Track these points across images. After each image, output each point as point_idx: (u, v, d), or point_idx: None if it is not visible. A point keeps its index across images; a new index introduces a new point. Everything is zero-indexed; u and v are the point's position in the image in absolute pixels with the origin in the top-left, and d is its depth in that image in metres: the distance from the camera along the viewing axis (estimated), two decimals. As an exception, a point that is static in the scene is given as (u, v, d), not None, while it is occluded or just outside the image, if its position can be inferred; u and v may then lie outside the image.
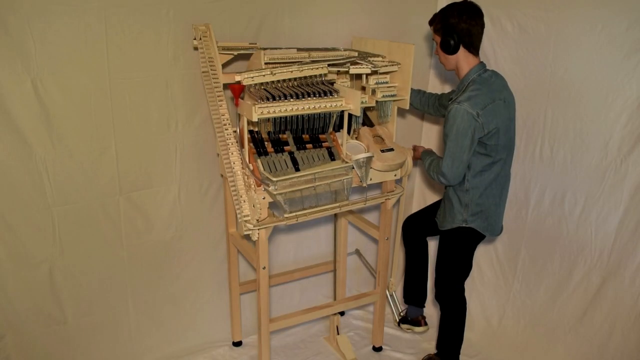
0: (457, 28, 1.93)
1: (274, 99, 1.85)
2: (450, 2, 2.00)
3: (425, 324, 2.57)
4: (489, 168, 2.03)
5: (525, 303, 2.57)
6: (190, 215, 2.32)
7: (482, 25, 1.96)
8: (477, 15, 1.94)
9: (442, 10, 1.98)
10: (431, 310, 2.74)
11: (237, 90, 1.91)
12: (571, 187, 2.32)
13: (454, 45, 1.95)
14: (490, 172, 2.04)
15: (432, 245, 2.46)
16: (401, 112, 2.69)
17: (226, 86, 1.93)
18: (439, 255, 2.28)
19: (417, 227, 2.45)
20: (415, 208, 3.09)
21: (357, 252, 2.89)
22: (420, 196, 3.06)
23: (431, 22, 2.03)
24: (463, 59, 1.99)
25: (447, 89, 2.76)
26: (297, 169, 1.97)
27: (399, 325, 2.65)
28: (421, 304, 2.59)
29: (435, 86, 2.83)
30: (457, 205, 2.11)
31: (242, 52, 2.03)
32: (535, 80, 2.36)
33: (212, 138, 2.25)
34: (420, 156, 2.24)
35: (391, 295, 2.59)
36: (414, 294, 2.56)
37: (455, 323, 2.31)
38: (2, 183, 1.86)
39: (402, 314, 2.67)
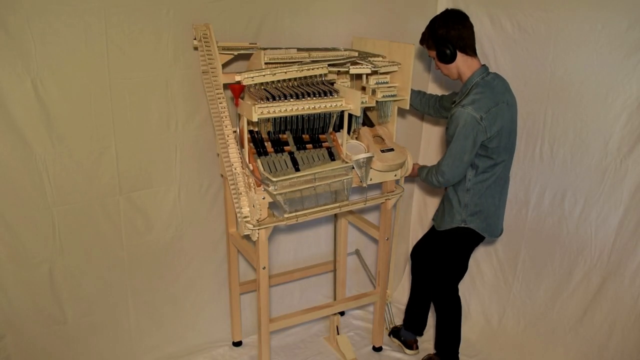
0: (448, 36, 1.95)
1: (274, 99, 1.85)
2: (447, 4, 2.03)
3: (417, 348, 2.58)
4: (490, 170, 2.04)
5: (525, 303, 2.57)
6: (190, 215, 2.32)
7: (471, 27, 1.98)
8: (462, 19, 1.97)
9: (428, 27, 2.03)
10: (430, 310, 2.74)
11: (237, 90, 1.91)
12: (571, 187, 2.32)
13: (451, 53, 1.97)
14: (491, 174, 2.05)
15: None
16: (401, 113, 2.69)
17: (226, 86, 1.93)
18: (435, 256, 2.28)
19: (425, 255, 2.42)
20: (415, 209, 3.09)
21: (357, 252, 2.89)
22: (421, 197, 3.06)
23: (422, 42, 2.07)
24: (463, 64, 2.00)
25: (447, 89, 2.76)
26: (297, 169, 1.96)
27: (389, 335, 2.65)
28: (420, 332, 2.59)
29: (436, 87, 2.83)
30: (457, 206, 2.11)
31: (242, 52, 2.03)
32: (535, 80, 2.36)
33: (212, 138, 2.25)
34: (417, 172, 2.23)
35: (386, 305, 2.59)
36: (414, 322, 2.57)
37: (451, 322, 2.32)
38: (2, 183, 1.86)
39: (396, 326, 2.67)
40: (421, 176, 2.17)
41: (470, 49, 1.99)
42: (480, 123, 1.90)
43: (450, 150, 1.96)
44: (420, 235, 2.51)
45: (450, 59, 1.99)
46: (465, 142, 1.92)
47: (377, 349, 2.59)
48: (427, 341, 2.64)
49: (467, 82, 2.01)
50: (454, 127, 1.92)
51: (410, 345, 2.57)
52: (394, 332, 2.65)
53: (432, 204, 2.98)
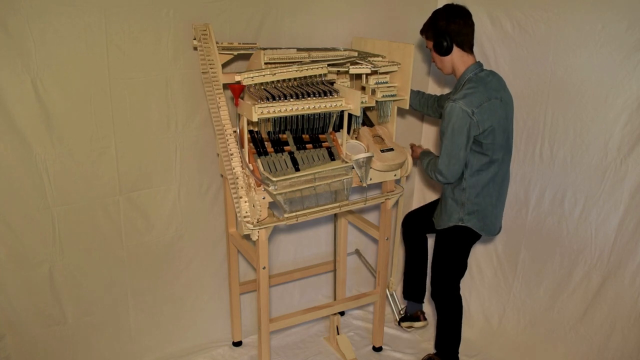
0: (448, 29, 1.97)
1: (274, 99, 1.85)
2: (447, 2, 2.04)
3: (425, 319, 2.57)
4: (486, 167, 2.04)
5: (525, 303, 2.58)
6: (190, 215, 2.32)
7: (472, 24, 2.00)
8: (464, 15, 1.98)
9: (430, 17, 2.04)
10: (429, 310, 2.74)
11: (237, 90, 1.91)
12: (571, 187, 2.32)
13: (447, 46, 1.99)
14: (487, 172, 2.05)
15: (432, 242, 2.46)
16: (401, 112, 2.69)
17: (226, 86, 1.93)
18: (434, 255, 2.29)
19: (416, 224, 2.45)
20: (415, 207, 3.09)
21: (357, 252, 2.89)
22: (420, 196, 3.06)
23: (422, 31, 2.08)
24: (458, 59, 2.01)
25: (446, 89, 2.76)
26: (297, 169, 1.96)
27: (399, 324, 2.65)
28: (420, 299, 2.59)
29: (435, 87, 2.83)
30: (454, 204, 2.11)
31: (242, 52, 2.03)
32: (535, 80, 2.36)
33: (212, 138, 2.25)
34: (419, 156, 2.25)
35: (391, 295, 2.59)
36: (413, 289, 2.56)
37: (452, 322, 2.31)
38: (2, 183, 1.86)
39: (402, 312, 2.67)
40: (422, 163, 2.18)
41: (467, 46, 2.00)
42: (472, 117, 1.91)
43: (445, 147, 1.97)
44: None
45: (446, 51, 2.00)
46: (459, 137, 1.93)
47: (377, 349, 2.59)
48: (427, 341, 2.64)
49: (461, 77, 2.03)
50: (446, 122, 1.94)
51: (417, 317, 2.56)
52: (403, 318, 2.64)
53: (432, 204, 2.98)
